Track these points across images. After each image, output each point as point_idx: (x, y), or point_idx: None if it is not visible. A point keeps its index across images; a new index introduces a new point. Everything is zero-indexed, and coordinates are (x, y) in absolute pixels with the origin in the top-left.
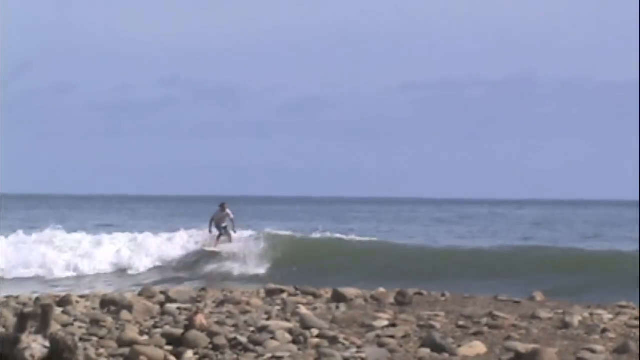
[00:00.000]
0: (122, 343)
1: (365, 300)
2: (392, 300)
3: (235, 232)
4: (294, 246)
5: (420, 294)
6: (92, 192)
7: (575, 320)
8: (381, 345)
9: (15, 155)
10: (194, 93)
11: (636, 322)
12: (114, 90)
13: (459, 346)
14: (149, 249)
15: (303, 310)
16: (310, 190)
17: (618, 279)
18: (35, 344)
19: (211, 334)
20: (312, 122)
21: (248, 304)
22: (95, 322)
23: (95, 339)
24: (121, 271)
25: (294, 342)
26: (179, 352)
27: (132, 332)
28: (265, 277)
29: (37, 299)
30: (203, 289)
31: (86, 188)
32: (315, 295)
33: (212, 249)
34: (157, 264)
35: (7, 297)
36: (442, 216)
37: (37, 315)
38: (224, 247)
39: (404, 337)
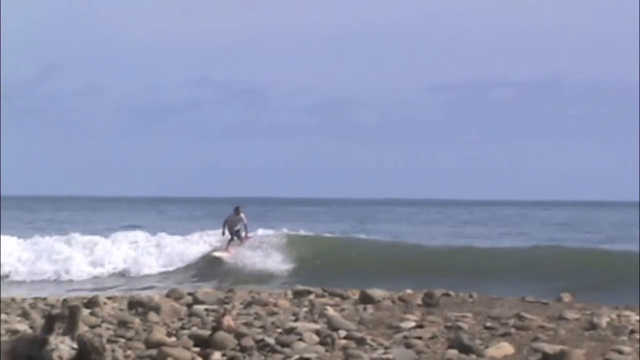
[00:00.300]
0: (149, 344)
1: (393, 302)
2: (419, 301)
3: (247, 236)
4: (320, 247)
5: (447, 295)
6: (120, 194)
7: (603, 321)
8: (408, 346)
9: (44, 156)
10: (222, 94)
11: None
12: (142, 91)
13: (487, 347)
14: (165, 250)
15: (330, 311)
16: (339, 192)
17: None
18: (63, 346)
19: (239, 336)
20: (340, 124)
21: (275, 305)
22: (122, 323)
23: (122, 340)
24: (134, 272)
25: (322, 343)
26: (206, 354)
27: (159, 334)
28: (290, 278)
29: (65, 300)
30: (230, 290)
31: (113, 189)
32: (342, 297)
33: (221, 254)
34: (170, 265)
35: (35, 298)
36: (470, 217)
37: (64, 317)
38: (233, 253)
39: (431, 338)
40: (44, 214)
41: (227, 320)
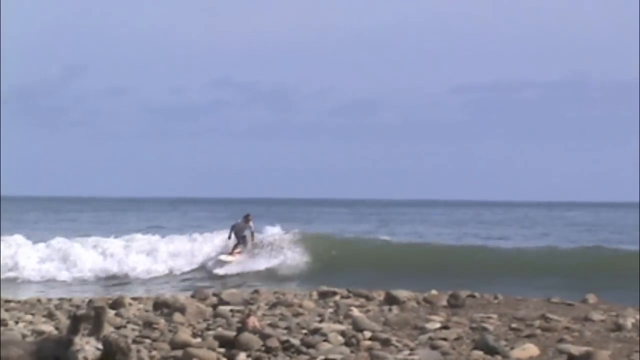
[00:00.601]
0: (174, 345)
1: (418, 303)
2: (444, 302)
3: (254, 242)
4: (344, 248)
5: (472, 296)
6: (144, 195)
7: (629, 322)
8: (434, 347)
9: (68, 157)
10: (247, 95)
11: None
12: (166, 92)
13: (512, 348)
14: (177, 251)
15: (355, 312)
16: (363, 193)
17: None
18: (88, 346)
19: (264, 337)
20: (364, 125)
21: (300, 306)
22: (148, 324)
23: (148, 341)
24: (145, 273)
25: (347, 344)
26: (231, 355)
27: (184, 335)
28: (315, 279)
29: (90, 301)
30: (255, 291)
31: (138, 191)
32: (367, 298)
33: (227, 257)
34: (178, 266)
35: (60, 299)
36: (494, 218)
37: (90, 318)
38: (238, 258)
39: (456, 339)
40: (68, 215)
41: (252, 321)
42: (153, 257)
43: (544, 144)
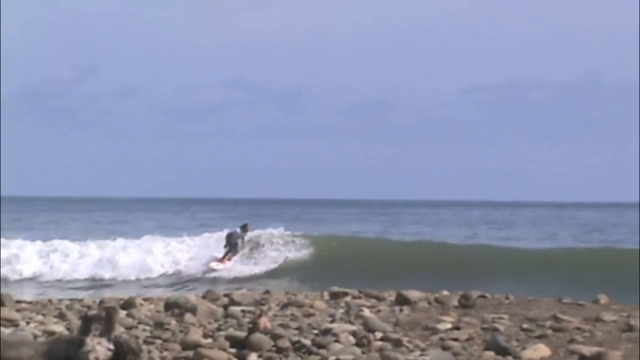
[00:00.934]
0: (186, 346)
1: (429, 303)
2: (455, 302)
3: (242, 251)
4: (355, 248)
5: (484, 296)
6: (154, 195)
7: None
8: (445, 348)
9: (79, 158)
10: (257, 95)
11: None
12: (176, 93)
13: (523, 349)
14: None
15: (367, 312)
16: (373, 194)
17: None
18: (99, 347)
19: (275, 337)
20: (375, 125)
21: (311, 306)
22: (159, 324)
23: (159, 341)
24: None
25: (358, 344)
26: (242, 355)
27: (196, 335)
28: (326, 279)
29: (101, 301)
30: (266, 292)
31: (148, 191)
32: (378, 298)
33: (218, 266)
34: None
35: (71, 299)
36: (505, 218)
37: (101, 318)
38: (228, 264)
39: (467, 339)
40: (77, 214)
41: (264, 322)
42: (154, 257)
43: (555, 144)
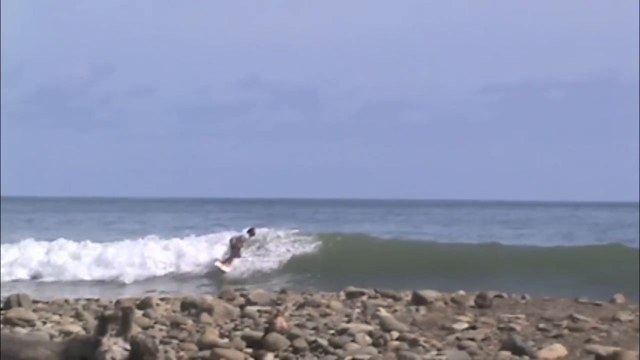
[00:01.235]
0: (202, 346)
1: (445, 303)
2: (472, 302)
3: (243, 255)
4: (371, 248)
5: (500, 296)
6: (171, 195)
7: None
8: (461, 347)
9: (95, 158)
10: (273, 95)
11: None
12: (193, 93)
13: (540, 349)
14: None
15: (383, 312)
16: (389, 193)
17: None
18: (115, 347)
19: (291, 337)
20: (391, 125)
21: (328, 306)
22: (175, 324)
23: (175, 341)
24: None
25: (374, 344)
26: (259, 355)
27: (212, 335)
28: (342, 279)
29: (118, 301)
30: (283, 292)
31: (165, 191)
32: (395, 298)
33: (222, 267)
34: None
35: (88, 299)
36: (520, 218)
37: (117, 318)
38: (229, 266)
39: (484, 339)
40: (93, 214)
41: (280, 322)
42: (167, 255)
43: (570, 144)
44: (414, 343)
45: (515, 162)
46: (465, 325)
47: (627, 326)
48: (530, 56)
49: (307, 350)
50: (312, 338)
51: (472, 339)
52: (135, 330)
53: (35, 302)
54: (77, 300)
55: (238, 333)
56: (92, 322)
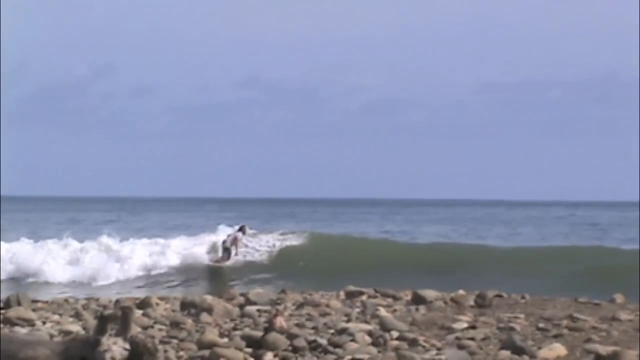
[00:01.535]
0: (202, 345)
1: (445, 303)
2: (471, 302)
3: (236, 254)
4: (370, 247)
5: (500, 296)
6: (170, 195)
7: None
8: (461, 347)
9: (95, 157)
10: (273, 95)
11: None
12: (192, 92)
13: (539, 348)
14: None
15: (383, 312)
16: (389, 193)
17: None
18: (115, 347)
19: (291, 336)
20: (392, 124)
21: (327, 306)
22: (175, 324)
23: (175, 341)
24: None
25: (374, 344)
26: (258, 355)
27: (212, 335)
28: (341, 279)
29: (117, 301)
30: (282, 291)
31: (163, 190)
32: (394, 298)
33: (215, 263)
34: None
35: (88, 299)
36: (520, 217)
37: (117, 318)
38: (224, 264)
39: (483, 339)
40: (94, 214)
41: (280, 321)
42: (164, 256)
43: (570, 143)
44: (413, 343)
45: (514, 162)
46: (465, 325)
47: (626, 326)
48: (530, 56)
49: (307, 350)
50: (312, 337)
51: (471, 339)
52: (135, 330)
53: (34, 301)
54: (76, 299)
55: (237, 333)
56: (92, 322)
